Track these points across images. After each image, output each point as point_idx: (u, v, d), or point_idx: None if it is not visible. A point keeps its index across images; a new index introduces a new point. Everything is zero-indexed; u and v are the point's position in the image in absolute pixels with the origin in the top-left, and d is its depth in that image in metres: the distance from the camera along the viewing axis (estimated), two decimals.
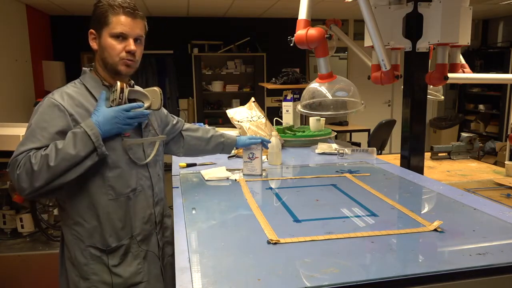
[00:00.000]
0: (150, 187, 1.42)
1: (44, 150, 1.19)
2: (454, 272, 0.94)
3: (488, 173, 2.25)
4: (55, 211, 2.55)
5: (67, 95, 1.29)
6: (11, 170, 1.20)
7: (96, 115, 1.24)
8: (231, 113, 2.49)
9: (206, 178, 1.77)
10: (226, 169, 1.88)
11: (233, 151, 2.26)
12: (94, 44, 1.30)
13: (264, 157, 2.10)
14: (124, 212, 1.33)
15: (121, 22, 1.27)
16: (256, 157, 1.81)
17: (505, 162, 2.25)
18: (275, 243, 1.08)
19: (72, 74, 6.10)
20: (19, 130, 2.35)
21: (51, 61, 5.78)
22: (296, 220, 1.26)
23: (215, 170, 1.87)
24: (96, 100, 1.31)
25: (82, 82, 1.35)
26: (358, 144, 4.86)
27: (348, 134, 5.77)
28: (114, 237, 1.32)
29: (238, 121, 2.42)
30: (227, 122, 2.52)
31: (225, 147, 1.79)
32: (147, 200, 1.40)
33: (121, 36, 1.28)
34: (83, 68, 1.38)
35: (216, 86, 6.44)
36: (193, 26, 6.22)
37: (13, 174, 1.19)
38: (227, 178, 1.77)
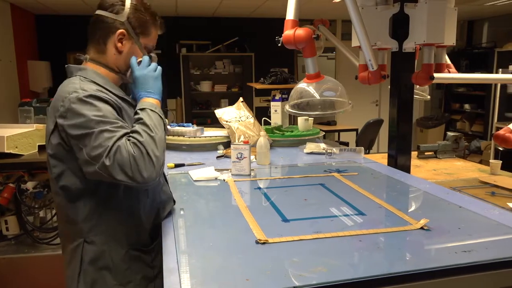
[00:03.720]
0: (164, 180, 1.42)
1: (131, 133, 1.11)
2: (440, 269, 0.95)
3: (473, 172, 2.28)
4: (41, 213, 2.52)
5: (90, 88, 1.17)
6: (122, 162, 1.05)
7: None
8: (219, 113, 2.49)
9: (194, 179, 1.76)
10: (215, 169, 1.87)
11: (221, 151, 2.27)
12: (121, 46, 1.22)
13: (252, 157, 2.10)
14: (157, 211, 1.31)
15: (156, 36, 1.30)
16: (244, 157, 1.81)
17: (490, 161, 2.29)
18: (264, 243, 1.08)
19: (58, 74, 6.03)
20: (4, 131, 2.31)
21: (36, 61, 5.70)
22: (285, 220, 1.27)
23: (204, 170, 1.86)
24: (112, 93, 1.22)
25: (88, 79, 1.21)
26: (346, 144, 4.89)
27: (337, 133, 5.81)
28: (150, 236, 1.30)
29: (227, 121, 2.42)
30: (216, 122, 2.52)
31: None
32: (167, 193, 1.40)
33: (150, 49, 1.30)
34: (76, 66, 1.25)
35: (205, 86, 6.42)
36: (181, 25, 6.19)
37: (129, 164, 1.05)
38: (216, 178, 1.77)
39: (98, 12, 1.23)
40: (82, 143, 1.08)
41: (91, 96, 1.12)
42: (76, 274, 1.21)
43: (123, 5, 1.22)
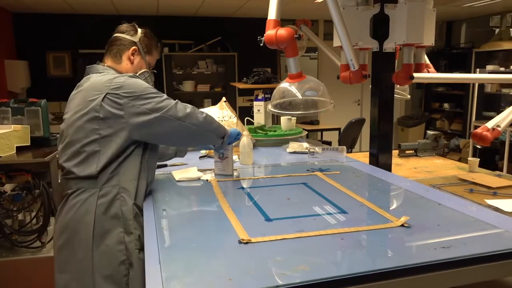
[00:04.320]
0: None
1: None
2: (420, 265, 0.96)
3: (452, 169, 2.33)
4: (20, 216, 2.46)
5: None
6: (191, 113, 1.50)
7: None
8: None
9: (177, 179, 1.75)
10: (198, 170, 1.86)
11: (204, 151, 2.26)
12: (133, 59, 1.61)
13: (235, 157, 2.10)
14: (149, 180, 1.55)
15: (156, 57, 1.72)
16: (226, 157, 1.80)
17: (468, 159, 2.34)
18: (247, 243, 1.08)
19: (37, 74, 5.91)
20: None
21: (14, 60, 5.57)
22: (268, 219, 1.27)
23: (186, 170, 1.85)
24: None
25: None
26: (329, 143, 4.93)
27: (319, 133, 5.85)
28: (143, 200, 1.49)
29: None
30: None
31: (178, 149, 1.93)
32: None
33: (151, 66, 1.71)
34: (102, 67, 1.56)
35: (187, 86, 6.38)
36: (163, 25, 6.14)
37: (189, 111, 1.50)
38: (199, 179, 1.76)
39: (117, 35, 1.62)
40: (147, 100, 1.42)
41: (135, 76, 1.52)
42: (91, 223, 1.39)
43: (136, 30, 1.65)
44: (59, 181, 2.62)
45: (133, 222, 1.42)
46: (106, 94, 1.40)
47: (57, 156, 2.52)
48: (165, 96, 1.48)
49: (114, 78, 1.45)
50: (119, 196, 1.43)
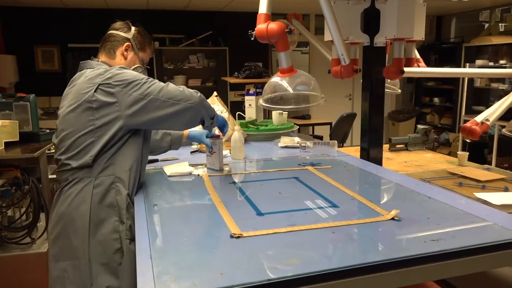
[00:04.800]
0: None
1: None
2: (410, 258, 0.97)
3: (442, 163, 2.35)
4: (9, 212, 2.44)
5: None
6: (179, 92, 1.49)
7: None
8: None
9: (168, 174, 1.74)
10: (189, 164, 1.86)
11: (195, 146, 2.25)
12: (126, 54, 1.65)
13: (227, 151, 2.09)
14: (140, 173, 1.57)
15: (150, 55, 1.77)
16: (214, 152, 1.80)
17: (458, 153, 2.36)
18: (238, 237, 1.08)
19: (25, 68, 5.83)
20: None
21: (2, 54, 5.48)
22: (259, 214, 1.27)
23: (178, 165, 1.84)
24: None
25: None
26: (320, 137, 4.95)
27: (311, 127, 5.86)
28: (134, 191, 1.52)
29: None
30: None
31: (173, 139, 1.93)
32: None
33: (144, 62, 1.75)
34: (95, 62, 1.58)
35: (179, 81, 6.34)
36: (153, 19, 6.08)
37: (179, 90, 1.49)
38: (190, 173, 1.76)
39: (111, 32, 1.66)
40: (138, 85, 1.43)
41: (125, 67, 1.54)
42: (87, 212, 1.43)
43: (130, 28, 1.69)
44: (50, 176, 2.60)
45: (125, 212, 1.45)
46: (98, 85, 1.43)
47: (46, 151, 2.50)
48: (156, 80, 1.49)
49: (106, 71, 1.48)
50: (114, 185, 1.46)
